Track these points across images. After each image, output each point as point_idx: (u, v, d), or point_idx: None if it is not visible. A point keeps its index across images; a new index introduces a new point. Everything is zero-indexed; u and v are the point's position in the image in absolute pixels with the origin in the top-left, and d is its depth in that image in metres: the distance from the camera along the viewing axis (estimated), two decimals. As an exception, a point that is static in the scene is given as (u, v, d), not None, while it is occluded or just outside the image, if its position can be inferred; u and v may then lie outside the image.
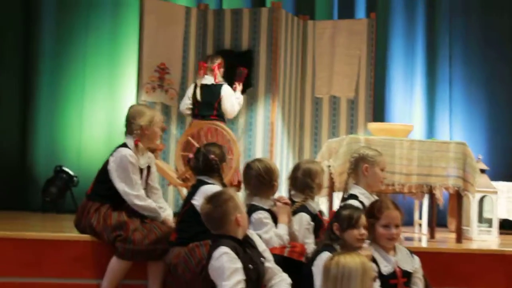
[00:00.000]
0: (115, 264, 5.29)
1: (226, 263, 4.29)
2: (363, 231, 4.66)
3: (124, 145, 5.52)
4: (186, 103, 8.36)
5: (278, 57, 8.99)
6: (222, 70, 8.35)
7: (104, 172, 5.48)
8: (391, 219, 4.68)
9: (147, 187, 5.61)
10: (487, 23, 10.62)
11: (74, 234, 5.58)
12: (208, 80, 8.26)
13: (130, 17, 9.77)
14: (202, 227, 4.79)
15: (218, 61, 8.32)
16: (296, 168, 5.44)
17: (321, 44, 9.66)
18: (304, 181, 5.30)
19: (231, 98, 8.19)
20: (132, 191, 5.35)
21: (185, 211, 5.19)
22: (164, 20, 9.09)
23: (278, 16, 9.06)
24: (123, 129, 5.32)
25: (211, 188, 5.07)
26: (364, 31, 9.57)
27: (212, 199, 4.53)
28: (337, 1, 10.53)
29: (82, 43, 9.79)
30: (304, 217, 5.16)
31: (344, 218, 4.68)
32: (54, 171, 9.27)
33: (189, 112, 8.37)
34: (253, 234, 4.71)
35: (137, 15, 9.08)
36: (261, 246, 4.66)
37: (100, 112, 9.75)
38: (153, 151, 5.84)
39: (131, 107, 5.73)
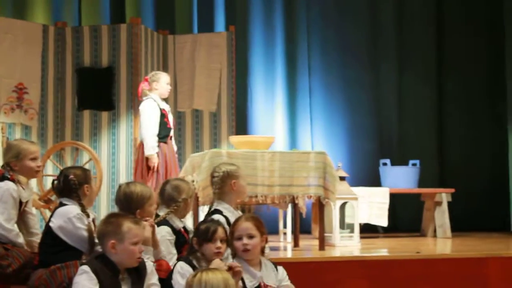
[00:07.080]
0: None
1: (82, 281, 4.27)
2: (219, 244, 4.72)
3: (5, 178, 5.38)
4: None
5: (138, 72, 8.97)
6: (146, 85, 7.93)
7: None
8: (242, 231, 4.75)
9: (24, 213, 5.52)
10: (344, 32, 10.90)
11: None
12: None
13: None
14: (60, 248, 4.82)
15: (147, 76, 8.07)
16: (165, 183, 5.48)
17: (181, 58, 9.70)
18: (171, 194, 5.31)
19: (143, 121, 7.85)
20: (7, 225, 5.24)
21: (44, 234, 5.14)
22: (21, 39, 8.90)
23: (137, 31, 9.05)
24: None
25: (66, 209, 5.05)
26: (224, 44, 9.66)
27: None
28: (197, 15, 10.61)
29: None
30: (165, 228, 5.17)
31: (201, 232, 4.76)
32: None
33: None
34: (150, 265, 4.69)
35: (-9, 34, 8.82)
36: (152, 279, 4.65)
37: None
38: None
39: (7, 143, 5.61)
